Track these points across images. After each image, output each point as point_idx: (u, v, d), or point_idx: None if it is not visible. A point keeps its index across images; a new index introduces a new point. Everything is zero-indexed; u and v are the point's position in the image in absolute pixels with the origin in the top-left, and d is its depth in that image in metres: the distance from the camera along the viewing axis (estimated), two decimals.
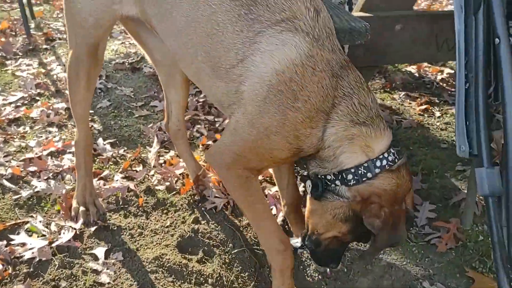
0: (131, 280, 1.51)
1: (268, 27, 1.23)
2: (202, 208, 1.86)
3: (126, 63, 3.29)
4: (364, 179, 1.26)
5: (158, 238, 1.72)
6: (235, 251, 1.67)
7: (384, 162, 1.27)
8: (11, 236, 1.66)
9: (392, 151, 1.30)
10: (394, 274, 1.62)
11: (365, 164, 1.26)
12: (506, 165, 1.34)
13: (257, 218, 1.44)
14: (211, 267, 1.61)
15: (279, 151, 1.30)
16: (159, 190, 1.98)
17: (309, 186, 1.37)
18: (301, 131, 1.25)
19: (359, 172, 1.26)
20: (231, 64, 1.28)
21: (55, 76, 3.05)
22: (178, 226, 1.78)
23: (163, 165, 2.15)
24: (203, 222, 1.80)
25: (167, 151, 2.30)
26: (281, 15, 1.23)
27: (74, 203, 1.80)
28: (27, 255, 1.58)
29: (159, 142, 2.31)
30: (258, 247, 1.70)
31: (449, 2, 4.88)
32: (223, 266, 1.62)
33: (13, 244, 1.63)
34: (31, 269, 1.54)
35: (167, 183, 2.00)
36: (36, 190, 1.90)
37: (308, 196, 1.41)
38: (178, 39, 1.39)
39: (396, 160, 1.29)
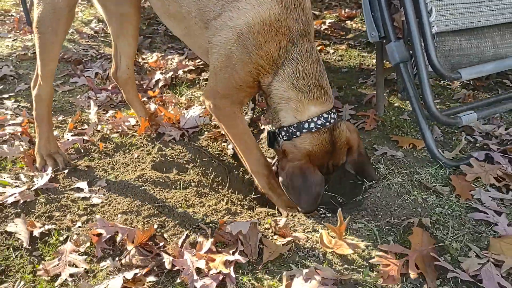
0: (122, 196, 1.64)
1: None
2: (162, 141, 2.03)
3: (29, 53, 3.24)
4: (293, 137, 1.54)
5: (132, 167, 1.85)
6: (205, 161, 1.89)
7: (312, 125, 1.52)
8: None
9: (325, 115, 1.53)
10: None
11: (295, 125, 1.54)
12: (410, 35, 1.76)
13: (246, 148, 1.66)
14: (189, 177, 1.80)
15: (247, 81, 1.54)
16: (114, 137, 2.09)
17: (267, 137, 1.68)
18: (259, 70, 1.51)
19: (290, 130, 1.55)
20: (214, 16, 1.49)
21: None
22: (146, 157, 1.93)
23: (109, 119, 2.25)
24: (167, 149, 1.97)
25: (105, 112, 2.40)
26: None
27: (38, 156, 1.85)
28: (10, 200, 1.61)
29: (96, 104, 2.40)
30: (223, 157, 1.93)
31: None
32: (199, 174, 1.83)
33: None
34: (19, 210, 1.59)
35: (120, 130, 2.13)
36: None
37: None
38: (176, 3, 1.56)
39: (323, 123, 1.53)
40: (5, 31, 3.89)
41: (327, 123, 1.53)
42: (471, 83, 2.50)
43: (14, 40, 3.65)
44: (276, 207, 1.67)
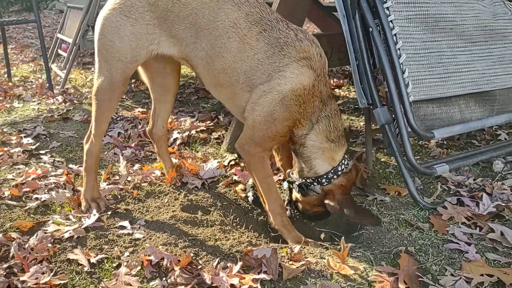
0: (160, 232, 1.97)
1: (293, 62, 1.83)
2: (186, 189, 2.38)
3: (55, 115, 3.63)
4: (332, 180, 1.97)
5: (163, 210, 2.19)
6: (225, 205, 2.24)
7: (342, 167, 1.97)
8: (44, 228, 1.98)
9: (345, 157, 1.98)
10: None
11: (332, 171, 1.96)
12: (392, 103, 2.19)
13: (268, 188, 2.00)
14: (213, 217, 2.14)
15: (281, 133, 1.91)
16: (144, 186, 2.44)
17: (296, 188, 2.06)
18: (297, 124, 1.90)
19: (329, 176, 1.97)
20: (262, 82, 1.85)
21: None
22: (174, 201, 2.27)
23: (138, 171, 2.61)
24: (191, 196, 2.32)
25: (132, 165, 2.76)
26: (303, 54, 1.84)
27: (84, 201, 2.18)
28: (66, 235, 1.93)
29: (124, 159, 2.76)
30: (239, 202, 2.28)
31: None
32: (221, 215, 2.17)
33: (48, 232, 1.95)
34: (74, 243, 1.90)
35: (148, 180, 2.48)
36: (42, 200, 2.22)
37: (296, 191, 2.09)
38: (223, 72, 1.88)
39: (348, 163, 1.98)
40: (28, 95, 4.30)
41: (348, 163, 1.98)
42: (445, 142, 2.95)
43: (38, 103, 4.06)
44: (285, 241, 2.01)
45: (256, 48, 1.85)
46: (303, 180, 2.03)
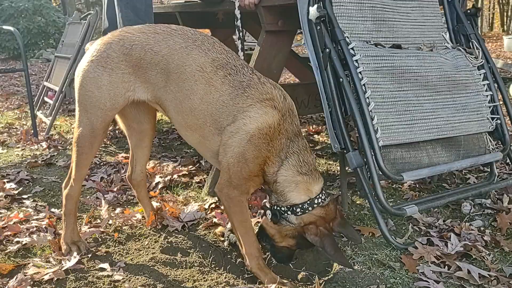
0: (139, 274, 2.01)
1: (257, 102, 1.94)
2: (167, 231, 2.44)
3: (39, 161, 3.69)
4: (307, 211, 2.02)
5: (143, 252, 2.24)
6: (204, 246, 2.29)
7: (319, 200, 1.99)
8: (24, 271, 2.00)
9: (323, 192, 2.03)
10: None
11: (308, 202, 2.01)
12: (363, 147, 2.32)
13: (245, 232, 2.05)
14: (192, 258, 2.19)
15: (254, 172, 1.99)
16: (125, 229, 2.49)
17: (269, 214, 2.09)
18: (267, 161, 1.99)
19: (304, 206, 2.02)
20: (228, 123, 1.95)
21: None
22: (154, 244, 2.32)
23: (119, 214, 2.66)
24: (171, 238, 2.37)
25: (113, 209, 2.81)
26: (265, 96, 1.96)
27: (64, 244, 2.21)
28: (46, 277, 1.95)
29: (106, 203, 2.81)
30: (218, 244, 2.34)
31: None
32: (200, 257, 2.22)
33: (28, 274, 1.98)
34: (53, 286, 1.92)
35: (129, 223, 2.53)
36: (23, 243, 2.25)
37: (267, 219, 2.12)
38: (191, 113, 1.98)
39: (325, 198, 2.02)
40: (13, 141, 4.36)
41: (326, 198, 2.03)
42: (417, 186, 3.08)
43: (22, 149, 4.12)
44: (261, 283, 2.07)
45: (221, 91, 1.97)
46: (277, 208, 2.05)
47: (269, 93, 1.99)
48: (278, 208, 2.05)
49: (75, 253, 2.16)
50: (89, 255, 2.16)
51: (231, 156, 1.98)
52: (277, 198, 2.05)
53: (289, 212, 2.03)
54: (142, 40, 2.02)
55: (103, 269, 2.05)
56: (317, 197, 2.02)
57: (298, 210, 2.01)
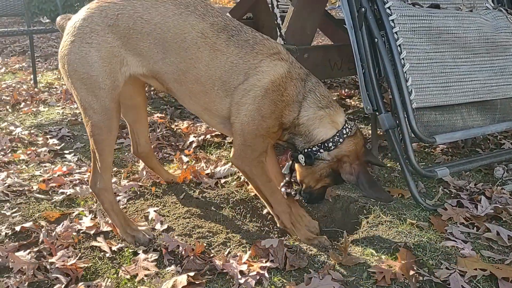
0: (176, 224, 2.13)
1: (267, 57, 1.93)
2: (200, 188, 2.54)
3: (79, 119, 3.84)
4: (338, 143, 2.00)
5: (179, 205, 2.35)
6: (235, 201, 2.39)
7: (347, 130, 1.97)
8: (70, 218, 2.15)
9: (347, 121, 2.00)
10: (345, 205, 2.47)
11: (338, 134, 1.96)
12: (396, 109, 2.32)
13: (272, 191, 2.07)
14: (225, 212, 2.29)
15: (273, 127, 1.99)
16: (162, 184, 2.61)
17: (302, 158, 2.01)
18: (285, 113, 1.99)
19: (335, 139, 1.96)
20: (240, 82, 1.91)
21: (24, 132, 3.47)
22: (190, 198, 2.43)
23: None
24: (205, 194, 2.47)
25: None
26: (273, 50, 1.96)
27: (126, 237, 2.00)
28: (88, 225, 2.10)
29: None
30: (251, 198, 2.43)
31: None
32: (233, 209, 2.32)
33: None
34: (97, 233, 2.06)
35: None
36: (68, 194, 2.40)
37: (299, 165, 2.08)
38: (197, 82, 1.91)
39: (352, 127, 2.00)
40: (53, 100, 4.53)
41: (352, 126, 2.02)
42: (450, 150, 3.06)
43: (62, 108, 4.28)
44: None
45: (228, 53, 1.91)
46: (308, 150, 2.01)
47: (275, 47, 1.99)
48: (309, 149, 2.02)
49: (147, 236, 2.00)
50: (128, 207, 2.29)
51: (245, 115, 1.93)
52: (304, 140, 2.02)
53: (321, 150, 1.98)
54: (128, 8, 1.88)
55: (145, 218, 2.18)
56: (344, 127, 2.00)
57: (331, 144, 1.98)
